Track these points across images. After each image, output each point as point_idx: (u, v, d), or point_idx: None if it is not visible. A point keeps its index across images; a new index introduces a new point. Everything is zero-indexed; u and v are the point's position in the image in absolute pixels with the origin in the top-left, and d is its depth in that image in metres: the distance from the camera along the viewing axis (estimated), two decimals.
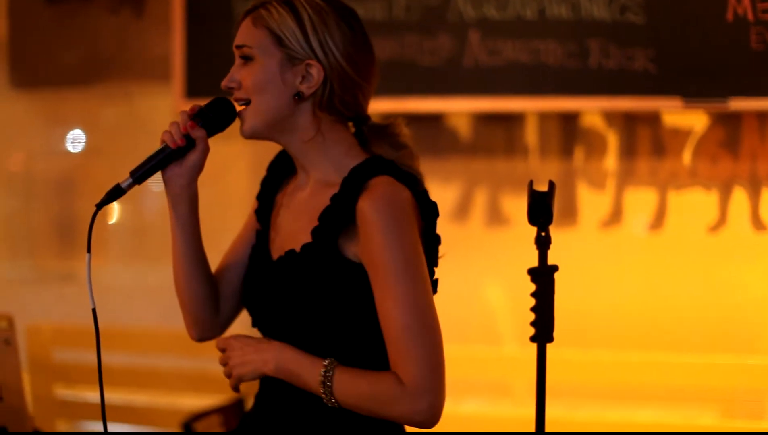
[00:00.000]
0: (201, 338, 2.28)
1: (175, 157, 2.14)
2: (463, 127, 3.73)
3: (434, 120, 3.72)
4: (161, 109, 4.07)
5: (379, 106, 2.26)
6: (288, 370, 2.09)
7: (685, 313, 3.48)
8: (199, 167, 2.16)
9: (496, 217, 3.68)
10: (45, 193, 4.33)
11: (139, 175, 2.13)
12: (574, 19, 3.45)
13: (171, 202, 2.18)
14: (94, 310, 2.10)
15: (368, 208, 2.03)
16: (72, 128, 4.29)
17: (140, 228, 4.16)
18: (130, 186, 2.12)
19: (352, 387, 2.05)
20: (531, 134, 3.66)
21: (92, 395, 4.03)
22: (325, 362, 2.06)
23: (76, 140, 4.28)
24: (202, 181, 2.31)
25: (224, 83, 2.16)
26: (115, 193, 2.10)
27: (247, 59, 2.14)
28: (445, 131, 3.73)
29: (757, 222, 3.41)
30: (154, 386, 3.97)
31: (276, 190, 2.28)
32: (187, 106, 3.87)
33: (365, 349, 2.12)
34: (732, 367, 3.36)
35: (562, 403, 3.48)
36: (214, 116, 2.16)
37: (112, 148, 4.20)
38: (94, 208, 2.09)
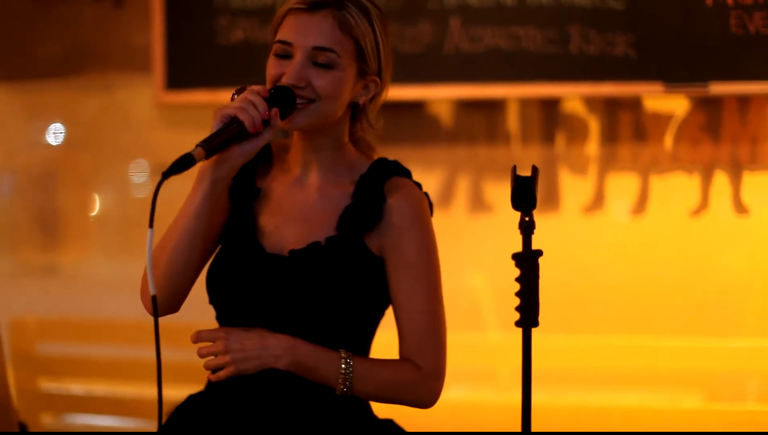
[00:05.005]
0: (162, 313, 2.12)
1: (244, 138, 2.03)
2: (445, 114, 3.73)
3: (416, 107, 3.71)
4: (142, 101, 4.05)
5: None
6: (303, 364, 2.08)
7: (668, 297, 3.49)
8: (255, 154, 2.07)
9: (478, 203, 3.68)
10: (26, 186, 4.31)
11: (212, 147, 1.99)
12: (555, 5, 3.45)
13: (211, 178, 2.05)
14: (154, 298, 1.98)
15: (403, 207, 2.12)
16: (52, 121, 4.27)
17: (123, 220, 4.14)
18: (202, 157, 1.97)
19: (373, 375, 2.11)
20: (512, 120, 3.66)
21: (77, 387, 4.02)
22: (342, 354, 2.10)
23: (56, 133, 4.26)
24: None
25: (291, 81, 2.07)
26: (186, 162, 1.95)
27: (327, 66, 2.09)
28: (426, 118, 3.73)
29: (738, 205, 3.42)
30: (137, 378, 3.96)
31: (253, 174, 2.24)
32: (167, 97, 3.89)
33: (358, 338, 2.16)
34: (715, 350, 3.37)
35: (548, 388, 3.48)
36: (283, 107, 2.07)
37: (93, 140, 4.17)
38: (161, 177, 1.93)
